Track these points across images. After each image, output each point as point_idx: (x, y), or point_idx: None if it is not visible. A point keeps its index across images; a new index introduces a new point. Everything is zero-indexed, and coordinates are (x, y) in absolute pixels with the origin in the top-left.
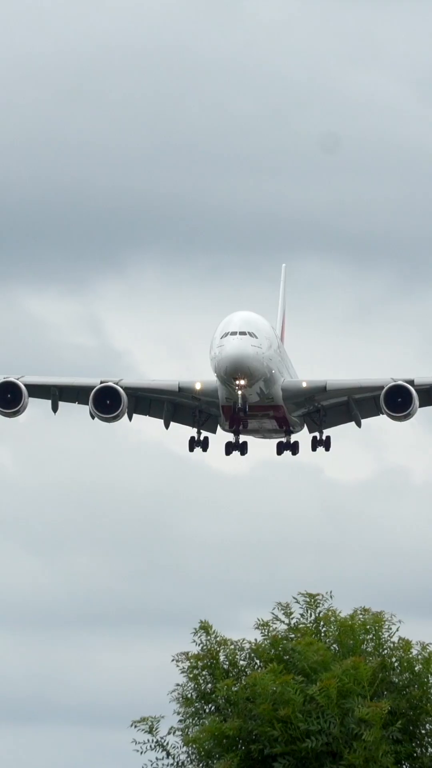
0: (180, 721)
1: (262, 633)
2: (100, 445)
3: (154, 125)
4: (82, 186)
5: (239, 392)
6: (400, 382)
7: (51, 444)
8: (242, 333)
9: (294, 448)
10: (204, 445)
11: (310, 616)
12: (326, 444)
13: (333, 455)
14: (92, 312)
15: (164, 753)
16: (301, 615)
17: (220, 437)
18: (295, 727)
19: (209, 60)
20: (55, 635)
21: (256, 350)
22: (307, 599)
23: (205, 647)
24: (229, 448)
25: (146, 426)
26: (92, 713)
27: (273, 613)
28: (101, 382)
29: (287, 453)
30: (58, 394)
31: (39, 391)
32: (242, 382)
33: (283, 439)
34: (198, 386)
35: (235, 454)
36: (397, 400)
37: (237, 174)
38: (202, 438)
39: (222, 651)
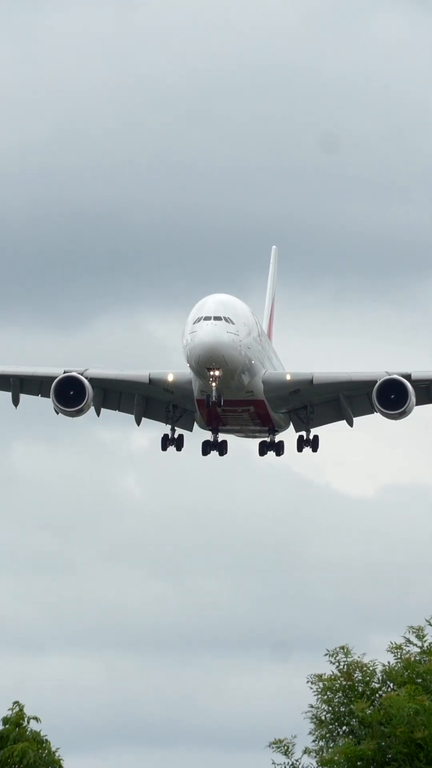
0: (314, 742)
1: (394, 656)
2: (221, 469)
3: (276, 147)
4: (204, 209)
5: (213, 384)
6: (394, 376)
7: (174, 468)
8: (217, 318)
9: (278, 448)
10: (178, 443)
11: None
12: (314, 444)
13: None
14: None
15: None
16: None
17: (198, 435)
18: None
19: (332, 80)
20: (186, 659)
21: (232, 337)
22: None
23: (342, 669)
24: (207, 447)
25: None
26: (226, 736)
27: (405, 637)
28: (65, 372)
29: (271, 453)
30: (18, 385)
31: None
32: (216, 373)
33: (267, 439)
34: (170, 377)
35: (213, 454)
36: (390, 396)
37: (360, 196)
38: (176, 436)
39: (357, 673)
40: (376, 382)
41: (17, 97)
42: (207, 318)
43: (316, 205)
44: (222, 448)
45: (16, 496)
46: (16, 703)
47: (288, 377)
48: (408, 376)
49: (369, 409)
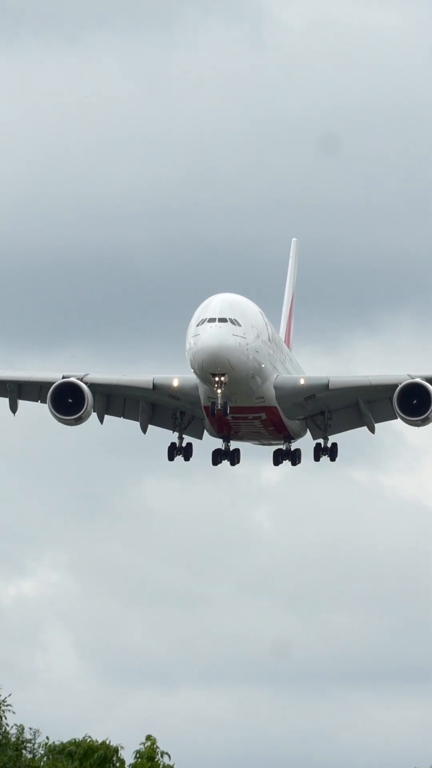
0: None
1: None
2: (350, 499)
3: (405, 182)
4: (335, 245)
5: (218, 391)
6: (417, 380)
7: (304, 501)
8: (222, 320)
9: (294, 456)
10: (186, 452)
11: None
12: (332, 452)
13: None
14: (348, 370)
15: None
16: None
17: (208, 444)
18: None
19: None
20: (318, 693)
21: (238, 341)
22: None
23: None
24: (217, 456)
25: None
26: None
27: None
28: (63, 377)
29: (286, 463)
30: (17, 391)
31: None
32: (222, 379)
33: (282, 447)
34: (175, 383)
35: (225, 463)
36: (412, 402)
37: None
38: (184, 444)
39: None
40: (397, 386)
41: (150, 136)
42: (211, 320)
43: None
44: (234, 457)
45: (148, 530)
46: (149, 737)
47: (302, 382)
48: (431, 380)
49: (392, 414)
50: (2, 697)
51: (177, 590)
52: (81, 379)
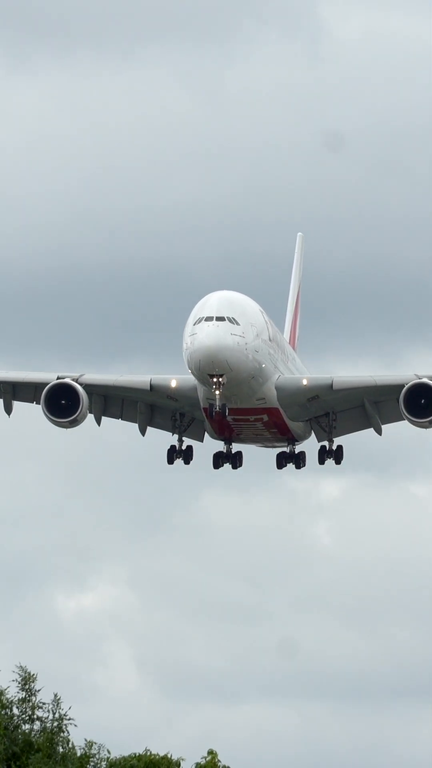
0: None
1: None
2: (413, 513)
3: None
4: (394, 258)
5: (217, 392)
6: (424, 380)
7: (363, 515)
8: (219, 318)
9: (298, 459)
10: (186, 455)
11: None
12: (337, 455)
13: None
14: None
15: None
16: None
17: (209, 446)
18: None
19: None
20: (379, 707)
21: (236, 340)
22: None
23: None
24: (218, 459)
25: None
26: None
27: None
28: (58, 378)
29: (290, 466)
30: (11, 392)
31: None
32: (220, 379)
33: (286, 449)
34: (173, 384)
35: (227, 467)
36: (420, 402)
37: None
38: (184, 447)
39: None
40: (403, 386)
41: (206, 149)
42: (208, 318)
43: None
44: (236, 460)
45: (209, 546)
46: (210, 751)
47: (305, 382)
48: None
49: (400, 416)
50: (63, 711)
51: (237, 604)
52: (76, 380)
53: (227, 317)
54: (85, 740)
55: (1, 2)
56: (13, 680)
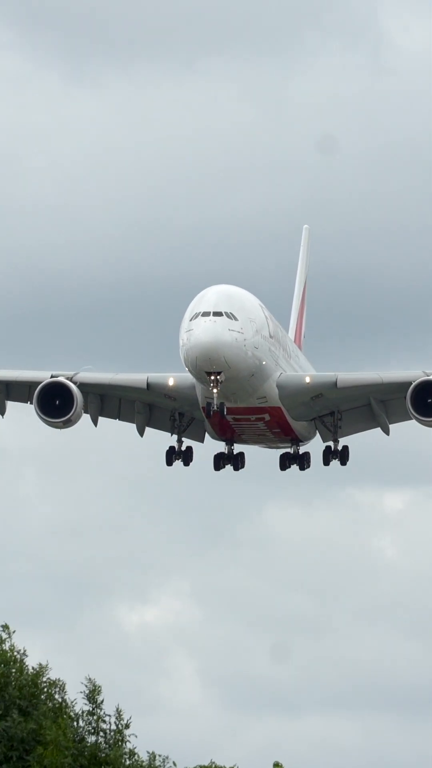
0: None
1: None
2: None
3: None
4: None
5: (214, 390)
6: None
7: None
8: (217, 313)
9: (302, 460)
10: (186, 457)
11: None
12: (342, 456)
13: None
14: None
15: None
16: None
17: (210, 447)
18: None
19: None
20: None
21: (235, 336)
22: None
23: None
24: (220, 461)
25: None
26: None
27: None
28: (52, 376)
29: (294, 467)
30: (5, 391)
31: None
32: (217, 377)
33: (290, 450)
34: (171, 382)
35: (228, 468)
36: (427, 400)
37: None
38: (183, 448)
39: None
40: (410, 383)
41: (268, 161)
42: (205, 313)
43: None
44: (237, 461)
45: (273, 557)
46: (276, 764)
47: (307, 380)
48: None
49: (408, 414)
50: (124, 721)
51: (300, 616)
52: (70, 379)
53: (225, 312)
54: (148, 752)
55: (63, 14)
56: (80, 692)
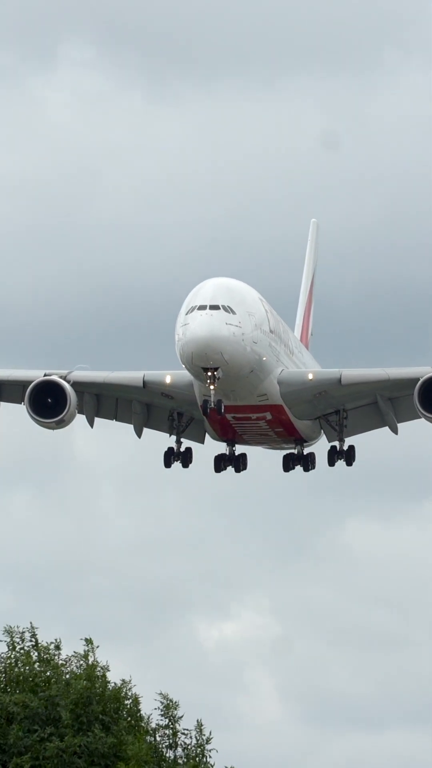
0: None
1: None
2: None
3: None
4: None
5: (211, 387)
6: None
7: None
8: (214, 307)
9: (307, 461)
10: (185, 458)
11: None
12: (348, 456)
13: None
14: None
15: None
16: None
17: (211, 448)
18: None
19: None
20: None
21: (232, 330)
22: None
23: None
24: (220, 462)
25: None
26: None
27: None
28: (45, 375)
29: (298, 469)
30: None
31: None
32: (215, 373)
33: (293, 450)
34: (168, 380)
35: (229, 470)
36: None
37: None
38: (183, 449)
39: None
40: (418, 379)
41: (348, 179)
42: (202, 307)
43: None
44: (239, 463)
45: (353, 573)
46: None
47: (310, 376)
48: None
49: (416, 412)
50: (206, 736)
51: (380, 631)
52: (64, 378)
53: (222, 305)
54: (225, 767)
55: (144, 33)
56: (156, 708)
